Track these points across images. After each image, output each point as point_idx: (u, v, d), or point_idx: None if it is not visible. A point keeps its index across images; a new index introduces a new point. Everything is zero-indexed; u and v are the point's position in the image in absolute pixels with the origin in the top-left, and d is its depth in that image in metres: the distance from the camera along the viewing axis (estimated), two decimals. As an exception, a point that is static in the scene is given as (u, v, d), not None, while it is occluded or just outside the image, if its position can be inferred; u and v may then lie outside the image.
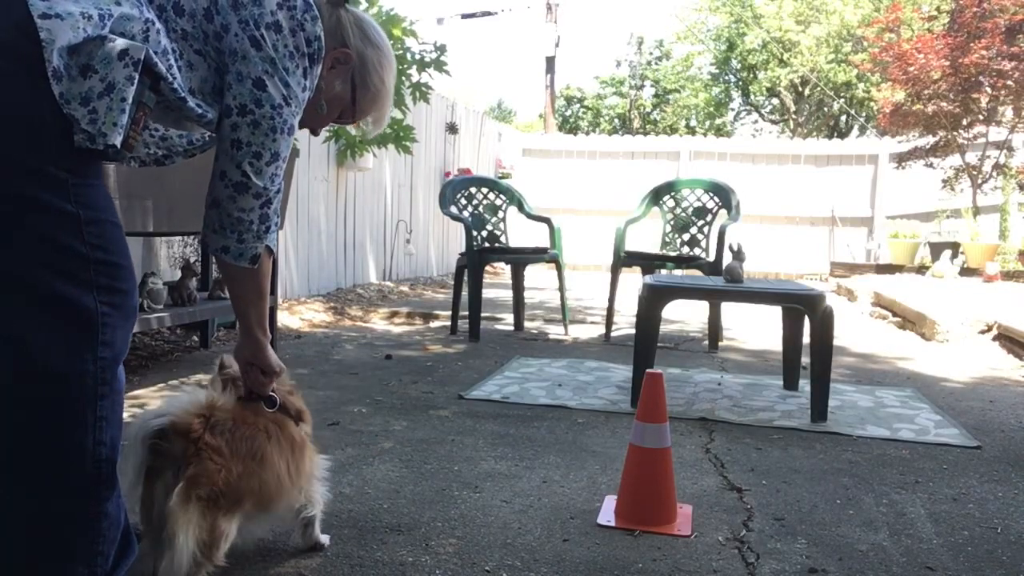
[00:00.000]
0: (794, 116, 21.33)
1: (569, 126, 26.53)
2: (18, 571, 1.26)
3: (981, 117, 9.21)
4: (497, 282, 8.52)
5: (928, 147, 9.61)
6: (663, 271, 4.65)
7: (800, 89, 20.86)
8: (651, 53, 26.55)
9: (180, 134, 1.51)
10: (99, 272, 1.28)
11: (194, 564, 1.40)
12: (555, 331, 5.08)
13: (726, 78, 24.27)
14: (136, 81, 1.24)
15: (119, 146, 1.26)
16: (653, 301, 3.03)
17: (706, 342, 4.72)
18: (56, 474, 1.25)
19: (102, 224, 1.30)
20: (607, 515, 1.94)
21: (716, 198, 4.86)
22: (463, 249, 4.82)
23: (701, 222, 4.91)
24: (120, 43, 1.22)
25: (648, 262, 4.70)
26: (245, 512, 1.49)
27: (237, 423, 1.50)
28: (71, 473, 1.26)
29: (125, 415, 1.34)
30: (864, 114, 20.08)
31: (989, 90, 8.89)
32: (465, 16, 16.01)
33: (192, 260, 4.06)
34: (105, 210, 1.32)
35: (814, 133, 20.17)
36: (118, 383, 1.31)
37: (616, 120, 26.97)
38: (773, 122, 24.08)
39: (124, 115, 1.24)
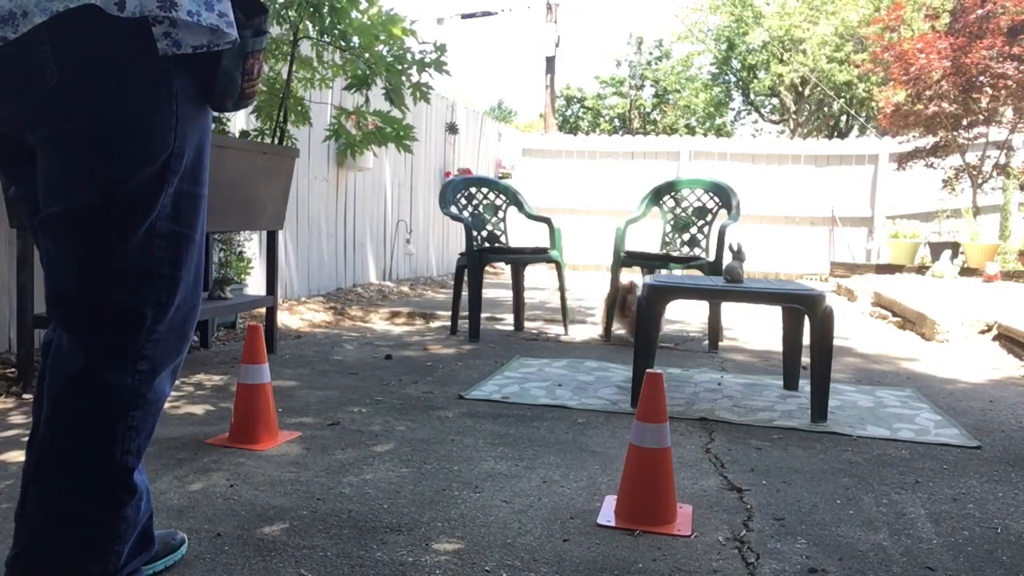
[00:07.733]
0: (794, 116, 21.32)
1: (569, 126, 26.53)
2: (41, 558, 1.28)
3: (981, 117, 9.20)
4: (497, 282, 8.52)
5: (928, 147, 9.61)
6: (663, 271, 4.65)
7: (800, 89, 20.85)
8: (651, 53, 26.56)
9: None
10: (160, 288, 1.26)
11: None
12: (555, 331, 5.08)
13: (726, 78, 24.26)
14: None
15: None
16: (653, 301, 3.03)
17: (706, 342, 4.72)
18: (82, 478, 1.26)
19: (178, 238, 1.27)
20: (607, 515, 1.94)
21: (716, 198, 4.85)
22: (463, 249, 4.81)
23: (701, 222, 4.91)
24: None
25: (648, 262, 4.70)
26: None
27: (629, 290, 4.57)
28: (96, 479, 1.27)
29: None
30: (864, 114, 20.07)
31: (989, 90, 8.88)
32: (465, 16, 16.02)
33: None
34: (188, 224, 1.29)
35: (814, 133, 20.17)
36: (153, 394, 1.30)
37: (616, 120, 26.97)
38: (773, 122, 24.07)
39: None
